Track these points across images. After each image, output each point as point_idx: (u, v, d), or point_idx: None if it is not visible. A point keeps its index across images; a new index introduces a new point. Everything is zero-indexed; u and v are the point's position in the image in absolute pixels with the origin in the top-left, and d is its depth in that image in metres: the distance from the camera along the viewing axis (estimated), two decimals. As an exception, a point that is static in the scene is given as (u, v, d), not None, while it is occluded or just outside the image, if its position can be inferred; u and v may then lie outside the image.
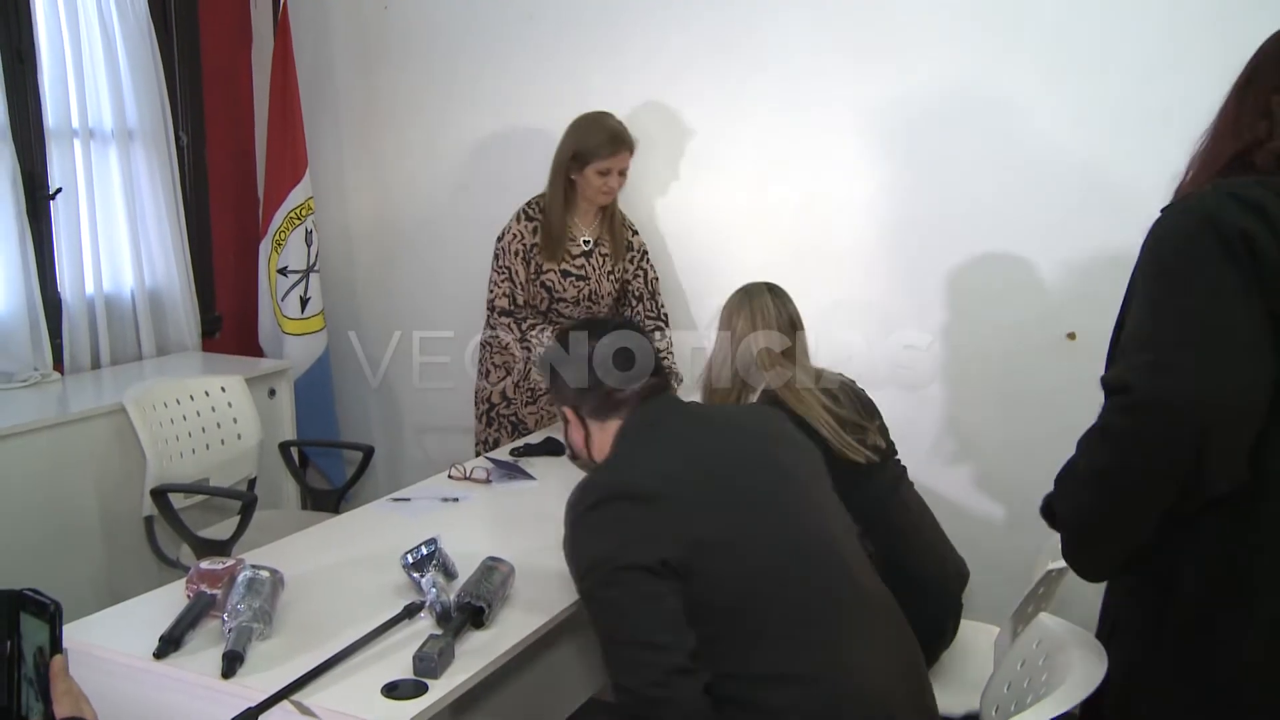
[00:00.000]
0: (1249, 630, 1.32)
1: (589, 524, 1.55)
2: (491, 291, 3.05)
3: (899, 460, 2.36)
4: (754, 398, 2.26)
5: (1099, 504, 1.37)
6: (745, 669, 1.49)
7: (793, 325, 2.32)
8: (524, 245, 3.02)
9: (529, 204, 3.08)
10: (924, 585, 2.12)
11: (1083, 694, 1.39)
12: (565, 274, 3.05)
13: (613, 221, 3.13)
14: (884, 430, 2.31)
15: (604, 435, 1.76)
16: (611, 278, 3.13)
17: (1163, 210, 1.39)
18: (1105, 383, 1.33)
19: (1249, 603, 1.32)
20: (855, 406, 2.25)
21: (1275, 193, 1.28)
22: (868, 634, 1.57)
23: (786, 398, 2.18)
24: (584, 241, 3.08)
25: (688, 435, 1.70)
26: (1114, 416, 1.31)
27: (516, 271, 3.02)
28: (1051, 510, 1.54)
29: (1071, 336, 2.82)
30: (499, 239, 3.07)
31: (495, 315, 3.03)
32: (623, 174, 3.02)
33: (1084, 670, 1.43)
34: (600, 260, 3.10)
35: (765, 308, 2.30)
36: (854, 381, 2.34)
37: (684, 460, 1.63)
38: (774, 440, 1.77)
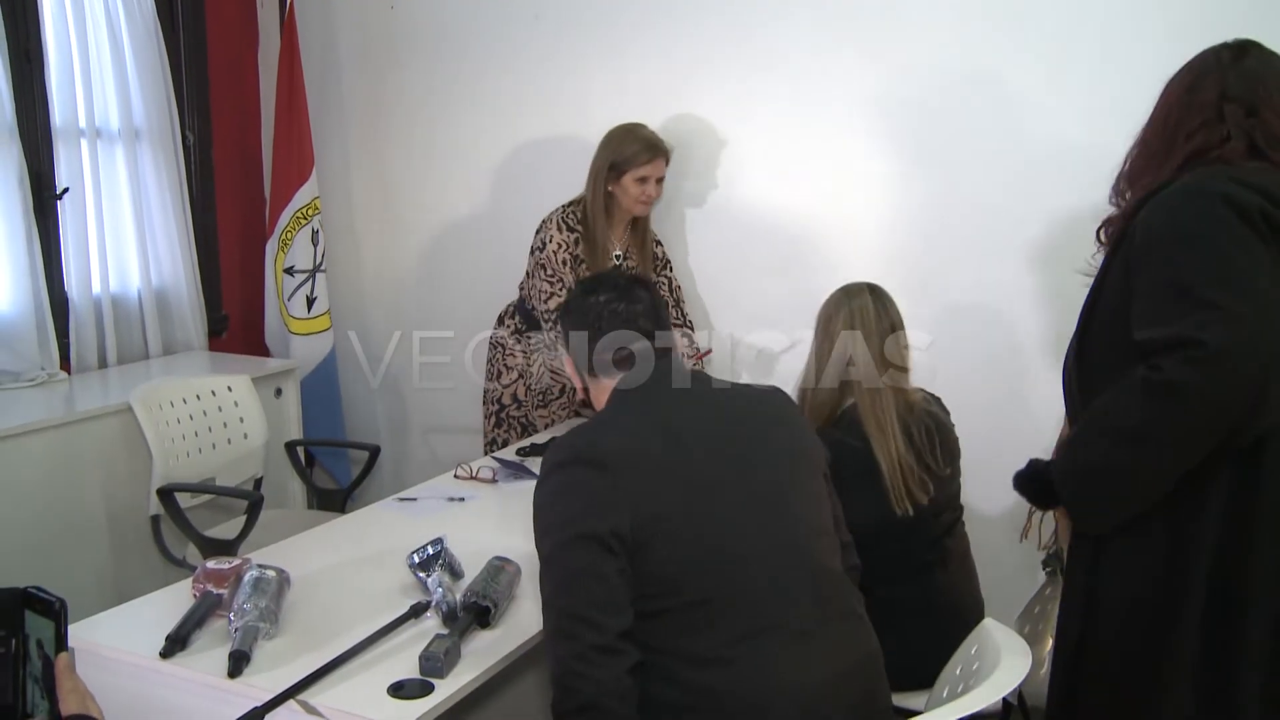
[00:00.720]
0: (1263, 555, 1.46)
1: (552, 484, 1.58)
2: (546, 301, 2.97)
3: (958, 507, 2.23)
4: (846, 404, 2.15)
5: (1151, 457, 1.47)
6: (679, 648, 1.50)
7: (894, 330, 2.15)
8: (570, 254, 2.99)
9: (565, 213, 3.03)
10: (946, 622, 2.09)
11: (1002, 692, 1.45)
12: None
13: (643, 234, 3.13)
14: (955, 475, 2.18)
15: (599, 391, 1.76)
16: None
17: (1156, 194, 1.56)
18: (1159, 340, 1.43)
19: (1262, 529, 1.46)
20: (934, 448, 2.10)
21: (1268, 178, 1.50)
22: (812, 634, 1.56)
23: (867, 423, 2.08)
24: (615, 255, 3.07)
25: (673, 406, 1.67)
26: (1179, 371, 1.39)
27: (567, 279, 2.96)
28: (1037, 483, 1.64)
29: (1078, 337, 2.81)
30: (539, 249, 3.00)
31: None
32: (659, 182, 3.01)
33: (1006, 669, 1.49)
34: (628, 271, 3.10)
35: (865, 309, 2.15)
36: (948, 414, 2.20)
37: (658, 430, 1.61)
38: (769, 424, 1.73)
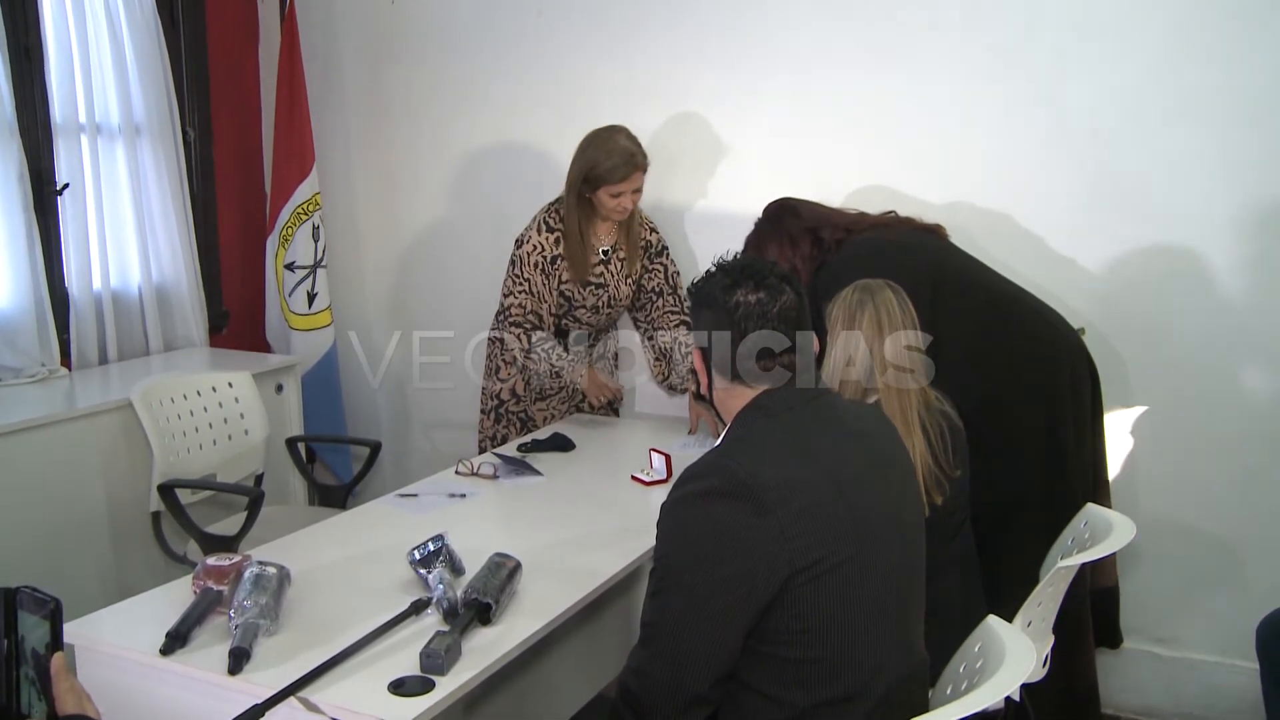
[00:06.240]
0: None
1: (699, 511, 1.47)
2: (505, 299, 3.00)
3: (966, 509, 2.20)
4: (870, 401, 2.07)
5: None
6: (764, 690, 1.47)
7: (916, 328, 2.09)
8: (544, 258, 2.96)
9: (550, 212, 2.99)
10: (951, 623, 2.08)
11: (1005, 691, 1.45)
12: (585, 284, 3.02)
13: (630, 225, 3.07)
14: (965, 477, 2.14)
15: (728, 395, 1.61)
16: (629, 280, 3.10)
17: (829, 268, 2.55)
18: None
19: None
20: (947, 449, 2.07)
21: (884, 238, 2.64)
22: (887, 701, 1.52)
23: (894, 421, 1.98)
24: (602, 251, 3.04)
25: (822, 437, 1.55)
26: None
27: (535, 283, 2.96)
28: None
29: (1081, 331, 2.81)
30: (518, 244, 3.00)
31: (506, 325, 2.99)
32: (637, 192, 2.94)
33: (1010, 669, 1.49)
34: (618, 265, 3.07)
35: (889, 304, 2.06)
36: (959, 419, 2.16)
37: (816, 468, 1.49)
38: (892, 454, 1.66)
